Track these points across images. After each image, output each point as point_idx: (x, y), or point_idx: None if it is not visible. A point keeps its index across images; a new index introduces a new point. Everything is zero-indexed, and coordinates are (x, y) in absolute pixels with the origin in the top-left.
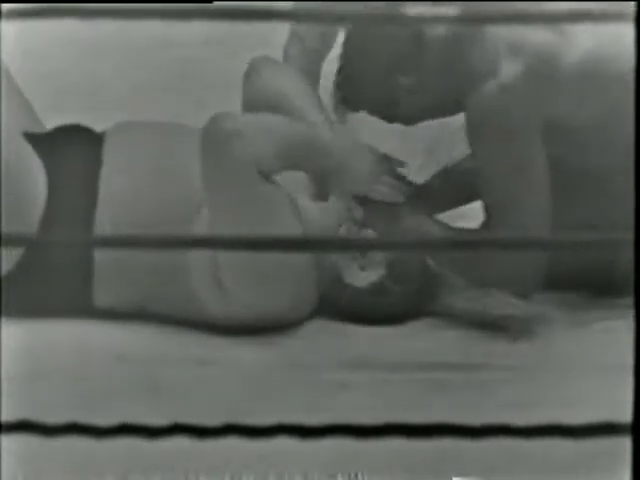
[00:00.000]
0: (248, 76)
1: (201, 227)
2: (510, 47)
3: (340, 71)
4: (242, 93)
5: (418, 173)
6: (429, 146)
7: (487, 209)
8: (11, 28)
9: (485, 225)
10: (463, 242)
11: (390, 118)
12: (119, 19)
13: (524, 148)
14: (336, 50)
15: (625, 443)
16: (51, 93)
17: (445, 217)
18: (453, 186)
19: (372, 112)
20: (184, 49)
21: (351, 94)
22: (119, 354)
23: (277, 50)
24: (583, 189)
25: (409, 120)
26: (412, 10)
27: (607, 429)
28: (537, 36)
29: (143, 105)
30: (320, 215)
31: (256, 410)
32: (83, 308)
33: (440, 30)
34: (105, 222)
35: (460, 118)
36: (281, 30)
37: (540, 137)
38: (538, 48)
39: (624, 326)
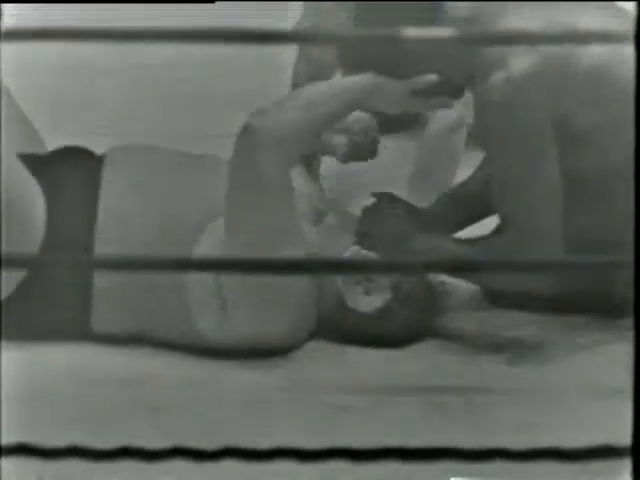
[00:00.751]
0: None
1: (203, 248)
2: None
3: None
4: None
5: (420, 196)
6: (429, 167)
7: (500, 217)
8: (11, 48)
9: (498, 231)
10: (469, 264)
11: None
12: (118, 42)
13: (534, 147)
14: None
15: (624, 466)
16: (50, 113)
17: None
18: (461, 207)
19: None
20: (183, 70)
21: (356, 53)
22: (118, 378)
23: (274, 74)
24: (582, 195)
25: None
26: (410, 32)
27: (606, 452)
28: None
29: (141, 125)
30: (321, 239)
31: (255, 433)
32: (81, 333)
33: (461, 11)
34: (105, 246)
35: (459, 138)
36: (281, 53)
37: (552, 138)
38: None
39: (623, 349)
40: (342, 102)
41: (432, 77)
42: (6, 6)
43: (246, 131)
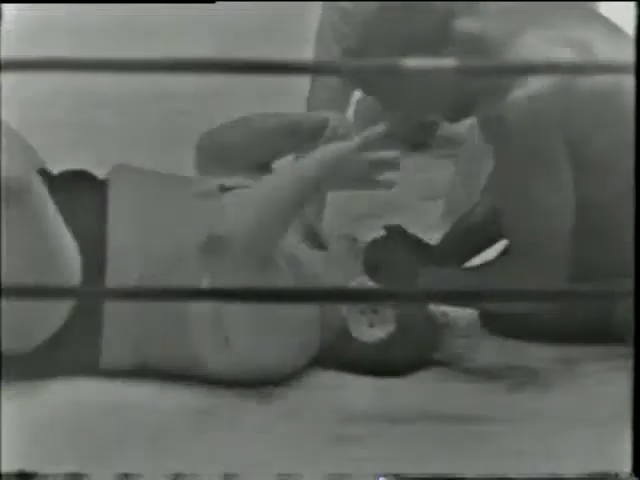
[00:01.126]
0: None
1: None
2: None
3: (350, 50)
4: None
5: (432, 230)
6: (468, 177)
7: (509, 241)
8: (10, 78)
9: (505, 253)
10: (471, 293)
11: (394, 102)
12: (116, 71)
13: (548, 164)
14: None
15: None
16: (48, 143)
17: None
18: (470, 236)
19: (374, 92)
20: (179, 101)
21: (363, 78)
22: (119, 407)
23: (269, 105)
24: (591, 220)
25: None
26: (412, 62)
27: None
28: (566, 55)
29: (139, 157)
30: (323, 266)
31: (256, 462)
32: (89, 369)
33: (473, 26)
34: (115, 274)
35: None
36: (276, 84)
37: (566, 157)
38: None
39: (622, 377)
40: (304, 186)
41: (380, 128)
42: (6, 6)
43: (210, 241)
